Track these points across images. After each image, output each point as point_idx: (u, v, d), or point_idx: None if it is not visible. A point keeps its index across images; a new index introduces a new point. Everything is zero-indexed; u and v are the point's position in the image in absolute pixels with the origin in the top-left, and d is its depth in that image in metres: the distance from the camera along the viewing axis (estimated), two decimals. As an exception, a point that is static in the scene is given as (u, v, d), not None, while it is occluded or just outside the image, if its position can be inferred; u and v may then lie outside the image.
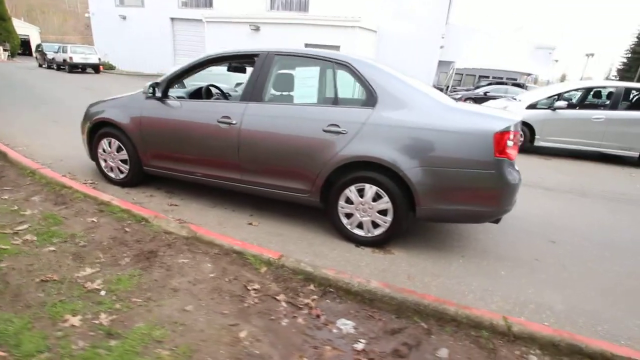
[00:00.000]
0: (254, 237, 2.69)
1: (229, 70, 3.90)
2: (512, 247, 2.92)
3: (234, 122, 2.81)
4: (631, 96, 6.69)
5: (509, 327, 1.77)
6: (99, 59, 17.59)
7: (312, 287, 2.05)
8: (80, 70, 17.28)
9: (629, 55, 38.34)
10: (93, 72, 17.61)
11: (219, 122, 2.86)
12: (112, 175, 3.55)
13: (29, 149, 4.44)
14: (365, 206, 2.60)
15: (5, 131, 5.20)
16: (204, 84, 3.83)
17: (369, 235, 2.67)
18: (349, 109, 2.59)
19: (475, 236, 3.06)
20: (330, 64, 2.68)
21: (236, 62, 3.52)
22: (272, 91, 2.88)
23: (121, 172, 3.49)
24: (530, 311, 2.08)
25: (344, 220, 2.71)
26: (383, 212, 2.58)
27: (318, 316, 1.84)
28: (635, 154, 6.20)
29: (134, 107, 3.25)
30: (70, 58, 16.36)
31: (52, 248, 2.21)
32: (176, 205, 3.21)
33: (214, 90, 3.71)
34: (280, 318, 1.81)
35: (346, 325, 1.81)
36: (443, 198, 2.44)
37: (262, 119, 2.76)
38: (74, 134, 5.54)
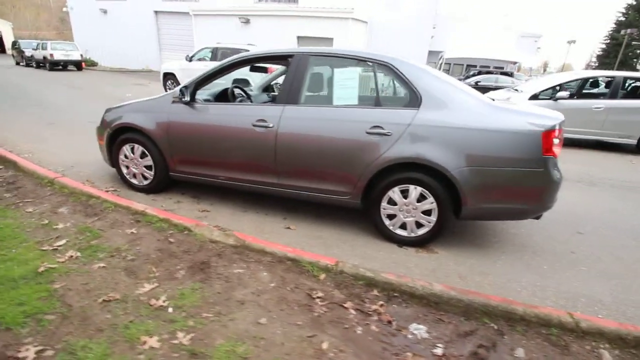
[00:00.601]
0: (295, 241, 2.67)
1: (251, 70, 3.79)
2: (545, 240, 2.99)
3: (270, 125, 2.75)
4: (628, 85, 6.89)
5: (576, 323, 1.82)
6: (81, 56, 16.89)
7: (375, 292, 2.06)
8: (61, 67, 16.55)
9: (608, 41, 39.29)
10: (75, 69, 16.90)
11: (254, 125, 2.80)
12: (134, 181, 3.44)
13: (35, 156, 4.25)
14: (409, 207, 2.61)
15: (3, 136, 4.96)
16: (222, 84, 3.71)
17: (412, 235, 2.69)
18: (392, 110, 2.57)
19: (508, 231, 3.13)
20: (370, 64, 2.65)
21: (269, 62, 3.43)
22: (310, 93, 2.82)
23: (145, 178, 3.39)
24: (583, 305, 2.15)
25: (387, 222, 2.72)
26: (427, 212, 2.59)
27: (389, 322, 1.85)
28: (633, 141, 6.42)
29: (160, 112, 3.14)
30: (51, 55, 15.62)
31: (101, 264, 2.13)
32: (207, 211, 3.14)
33: (236, 91, 3.61)
34: (354, 326, 1.81)
35: (419, 329, 1.82)
36: (489, 197, 2.47)
37: (300, 122, 2.71)
38: (75, 137, 5.36)
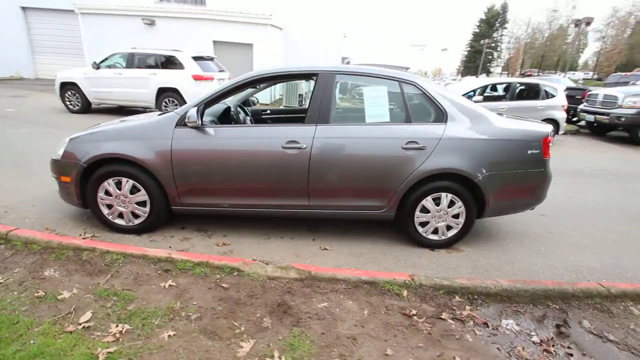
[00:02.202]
0: (343, 262, 2.64)
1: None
2: (525, 226, 3.57)
3: (303, 146, 2.64)
4: (519, 89, 8.57)
5: (608, 290, 2.29)
6: None
7: (457, 298, 2.20)
8: None
9: (469, 49, 47.71)
10: None
11: (285, 147, 2.64)
12: (120, 222, 2.87)
13: None
14: (440, 213, 2.84)
15: None
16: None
17: (443, 238, 2.92)
18: (424, 125, 2.74)
19: (494, 221, 3.63)
20: (396, 82, 2.77)
21: (291, 80, 3.22)
22: (339, 112, 2.79)
23: (136, 216, 2.85)
24: (586, 274, 2.67)
25: (420, 229, 2.89)
26: (455, 216, 2.86)
27: (485, 324, 2.01)
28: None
29: (160, 138, 2.68)
30: None
31: (168, 333, 1.75)
32: (227, 244, 2.83)
33: (236, 110, 3.29)
34: (463, 335, 1.91)
35: (509, 324, 2.04)
36: (504, 196, 2.86)
37: (334, 141, 2.67)
38: None
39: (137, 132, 2.76)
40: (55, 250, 2.43)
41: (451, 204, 2.82)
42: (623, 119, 8.62)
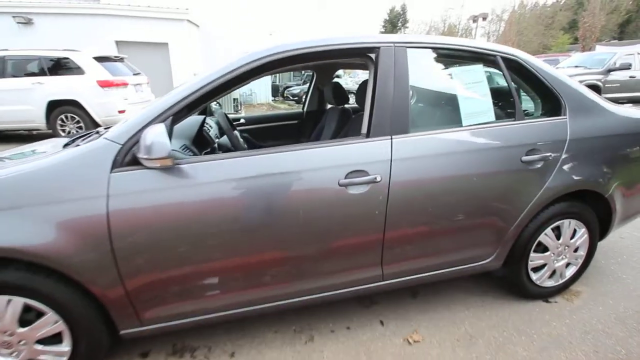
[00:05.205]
0: (459, 357, 1.55)
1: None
2: (611, 242, 2.81)
3: (376, 178, 1.45)
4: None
5: None
6: None
7: None
8: None
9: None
10: None
11: (344, 185, 1.42)
12: (1, 387, 1.32)
13: None
14: (561, 248, 1.92)
15: None
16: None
17: (560, 282, 2.02)
18: (541, 122, 1.76)
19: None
20: (498, 58, 1.73)
21: (331, 59, 1.91)
22: (417, 110, 1.66)
23: (39, 368, 1.34)
24: None
25: (534, 277, 1.93)
26: (576, 248, 1.98)
27: None
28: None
29: (75, 198, 1.22)
30: None
31: None
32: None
33: (207, 125, 1.91)
34: None
35: None
36: (626, 208, 2.06)
37: (424, 163, 1.54)
38: None
39: (20, 190, 1.24)
40: None
41: (573, 233, 1.93)
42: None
